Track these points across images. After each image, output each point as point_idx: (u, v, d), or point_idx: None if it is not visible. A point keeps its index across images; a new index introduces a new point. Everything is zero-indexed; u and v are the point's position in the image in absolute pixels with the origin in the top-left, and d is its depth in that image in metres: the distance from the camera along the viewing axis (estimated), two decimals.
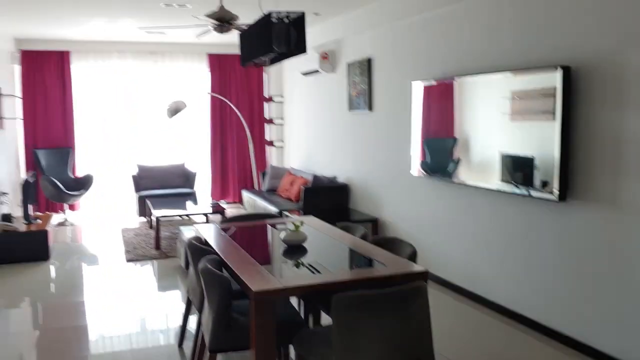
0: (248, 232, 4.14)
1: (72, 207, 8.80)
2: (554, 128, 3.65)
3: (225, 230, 4.01)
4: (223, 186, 9.45)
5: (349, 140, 6.89)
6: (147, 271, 5.84)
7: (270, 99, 9.42)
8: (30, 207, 6.62)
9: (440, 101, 4.89)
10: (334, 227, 4.04)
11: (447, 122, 4.81)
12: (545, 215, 3.91)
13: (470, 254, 4.72)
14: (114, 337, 4.14)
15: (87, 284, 5.42)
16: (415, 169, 5.30)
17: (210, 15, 4.61)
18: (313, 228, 4.06)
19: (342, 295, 2.52)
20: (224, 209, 7.01)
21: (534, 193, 3.85)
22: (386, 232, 6.05)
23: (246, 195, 8.28)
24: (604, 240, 3.49)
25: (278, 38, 3.16)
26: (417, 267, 2.99)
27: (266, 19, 3.21)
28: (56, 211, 8.61)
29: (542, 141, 3.78)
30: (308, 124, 8.29)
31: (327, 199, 6.70)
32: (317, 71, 7.36)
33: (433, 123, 5.04)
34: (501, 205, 4.32)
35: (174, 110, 7.91)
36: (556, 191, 3.67)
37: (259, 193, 8.07)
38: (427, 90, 5.03)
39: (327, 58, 7.20)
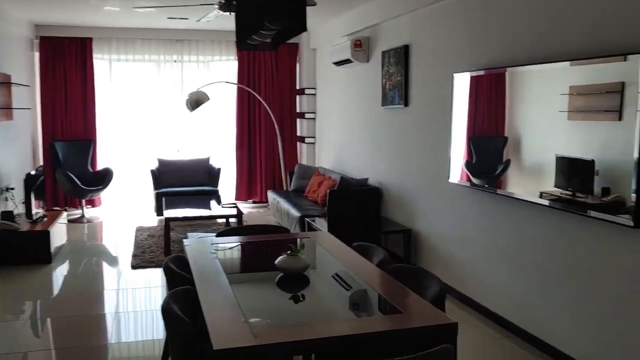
0: (244, 251, 3.47)
1: (92, 203, 8.35)
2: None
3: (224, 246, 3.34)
4: (250, 185, 8.80)
5: (382, 138, 6.11)
6: (150, 281, 5.24)
7: (302, 92, 8.71)
8: (36, 204, 6.15)
9: (489, 94, 4.08)
10: (349, 248, 3.32)
11: (497, 119, 4.01)
12: (615, 242, 3.06)
13: (519, 280, 3.89)
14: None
15: (81, 295, 4.84)
16: (456, 174, 4.50)
17: None
18: (323, 248, 3.34)
19: None
20: (242, 212, 6.34)
21: (596, 214, 3.02)
22: (420, 247, 5.27)
23: (271, 196, 7.62)
24: None
25: (270, 10, 2.44)
26: (444, 318, 2.23)
27: None
28: (76, 207, 8.18)
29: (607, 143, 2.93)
30: (339, 119, 7.54)
31: (356, 204, 5.94)
32: (349, 61, 6.60)
33: (480, 119, 4.23)
34: (557, 225, 3.47)
35: (194, 103, 7.31)
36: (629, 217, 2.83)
37: (284, 194, 7.39)
38: (474, 80, 4.22)
39: (361, 46, 6.43)
